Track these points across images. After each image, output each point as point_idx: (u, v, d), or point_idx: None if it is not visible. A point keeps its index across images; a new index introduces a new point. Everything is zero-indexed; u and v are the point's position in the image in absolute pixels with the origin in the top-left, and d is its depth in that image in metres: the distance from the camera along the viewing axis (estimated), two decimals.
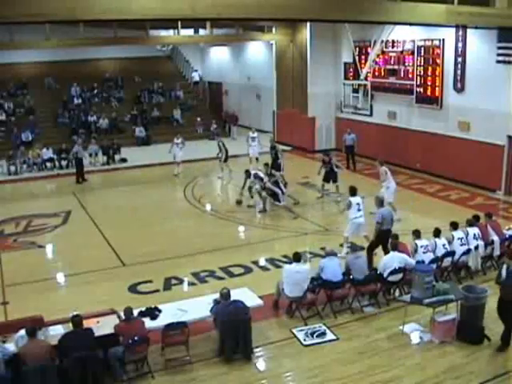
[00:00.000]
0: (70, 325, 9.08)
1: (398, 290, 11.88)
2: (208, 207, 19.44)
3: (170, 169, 24.04)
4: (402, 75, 23.32)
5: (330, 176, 19.21)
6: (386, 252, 12.51)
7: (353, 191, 14.50)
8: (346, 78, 26.56)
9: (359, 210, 14.19)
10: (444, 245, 12.44)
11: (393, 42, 23.68)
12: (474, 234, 12.84)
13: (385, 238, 12.92)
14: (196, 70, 39.14)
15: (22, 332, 8.76)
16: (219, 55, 38.07)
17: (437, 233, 12.62)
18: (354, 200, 14.25)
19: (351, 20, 16.69)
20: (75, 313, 9.37)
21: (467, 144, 20.42)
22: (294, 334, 10.55)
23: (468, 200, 19.13)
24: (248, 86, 34.80)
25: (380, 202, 13.57)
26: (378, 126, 24.90)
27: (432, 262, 11.97)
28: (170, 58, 39.64)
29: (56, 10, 8.50)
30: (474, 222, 13.27)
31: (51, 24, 19.61)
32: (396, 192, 17.22)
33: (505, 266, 10.12)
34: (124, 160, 27.02)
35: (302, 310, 11.10)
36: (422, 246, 12.12)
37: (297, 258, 11.25)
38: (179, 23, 25.82)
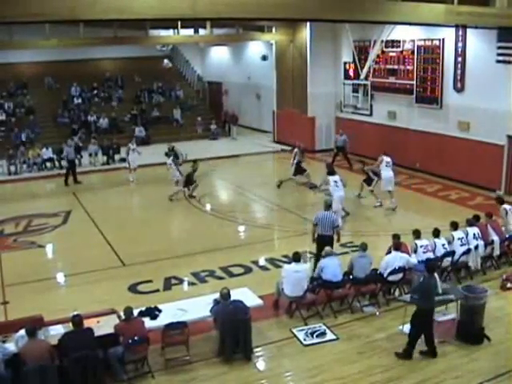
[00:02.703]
0: (70, 325, 9.09)
1: (397, 290, 11.89)
2: (208, 207, 19.44)
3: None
4: (402, 75, 23.33)
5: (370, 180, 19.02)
6: (317, 259, 12.58)
7: (330, 169, 17.22)
8: (345, 77, 26.55)
9: (337, 186, 16.29)
10: (444, 245, 12.45)
11: (393, 41, 23.68)
12: (474, 234, 12.84)
13: (321, 244, 12.77)
14: (166, 57, 38.64)
15: (22, 332, 8.75)
16: (219, 55, 38.07)
17: (436, 233, 12.62)
18: (332, 178, 16.50)
19: (351, 20, 16.71)
20: (75, 313, 9.38)
21: (467, 144, 20.41)
22: (293, 333, 10.55)
23: (468, 200, 19.13)
24: (248, 86, 34.79)
25: (327, 206, 13.39)
26: (377, 126, 24.90)
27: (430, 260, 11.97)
28: (170, 58, 39.59)
29: (56, 9, 8.51)
30: (473, 221, 13.27)
31: (51, 24, 19.63)
32: (391, 181, 18.03)
33: (421, 278, 10.05)
34: (124, 160, 26.96)
35: (301, 310, 11.10)
36: (421, 246, 12.13)
37: (296, 257, 11.24)
38: (179, 23, 25.85)
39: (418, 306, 9.70)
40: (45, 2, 8.39)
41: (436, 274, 10.04)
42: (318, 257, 12.63)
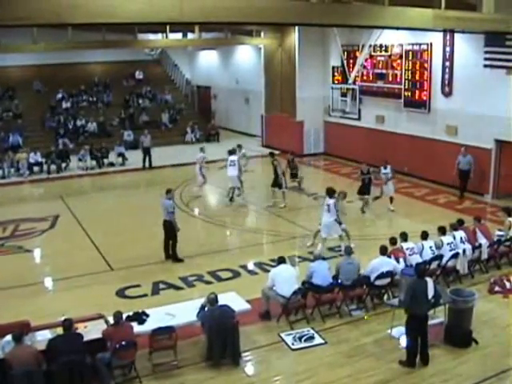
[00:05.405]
0: (57, 330, 9.04)
1: (386, 294, 11.89)
2: (196, 211, 19.39)
3: (157, 173, 23.99)
4: (390, 79, 23.42)
5: (365, 188, 18.52)
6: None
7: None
8: (334, 82, 26.62)
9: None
10: (431, 247, 12.49)
11: (381, 46, 23.77)
12: (461, 238, 12.91)
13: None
14: (155, 62, 38.74)
15: (9, 337, 8.71)
16: (208, 59, 38.05)
17: (424, 235, 12.68)
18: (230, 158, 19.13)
19: (339, 24, 16.66)
20: (63, 317, 9.31)
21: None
22: (282, 338, 10.53)
23: (456, 204, 19.20)
24: (236, 90, 34.79)
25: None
26: (366, 130, 24.95)
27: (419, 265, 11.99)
28: (159, 62, 39.58)
29: (42, 13, 8.43)
30: (457, 225, 13.33)
31: (39, 27, 19.52)
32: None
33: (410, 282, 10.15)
34: (112, 164, 26.91)
35: (289, 315, 11.09)
36: (407, 249, 12.17)
37: (282, 260, 11.43)
38: (167, 27, 25.81)
39: (410, 312, 9.63)
40: (30, 5, 8.31)
41: (429, 279, 10.02)
42: None
